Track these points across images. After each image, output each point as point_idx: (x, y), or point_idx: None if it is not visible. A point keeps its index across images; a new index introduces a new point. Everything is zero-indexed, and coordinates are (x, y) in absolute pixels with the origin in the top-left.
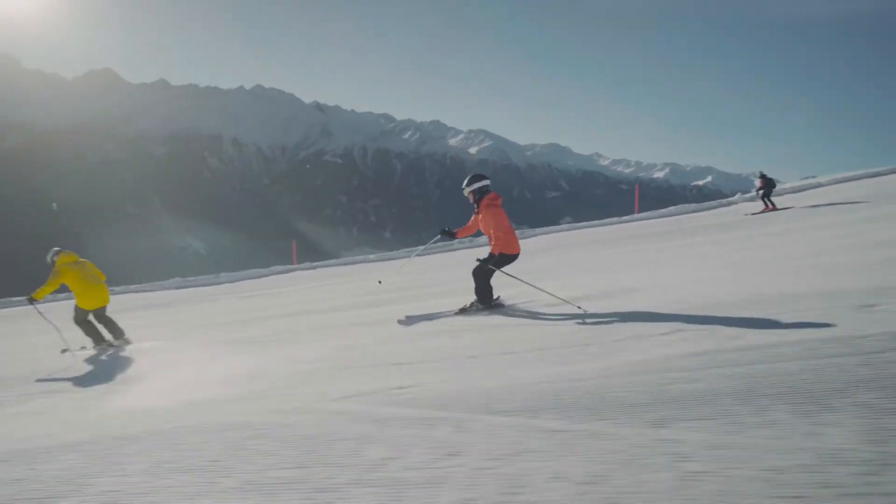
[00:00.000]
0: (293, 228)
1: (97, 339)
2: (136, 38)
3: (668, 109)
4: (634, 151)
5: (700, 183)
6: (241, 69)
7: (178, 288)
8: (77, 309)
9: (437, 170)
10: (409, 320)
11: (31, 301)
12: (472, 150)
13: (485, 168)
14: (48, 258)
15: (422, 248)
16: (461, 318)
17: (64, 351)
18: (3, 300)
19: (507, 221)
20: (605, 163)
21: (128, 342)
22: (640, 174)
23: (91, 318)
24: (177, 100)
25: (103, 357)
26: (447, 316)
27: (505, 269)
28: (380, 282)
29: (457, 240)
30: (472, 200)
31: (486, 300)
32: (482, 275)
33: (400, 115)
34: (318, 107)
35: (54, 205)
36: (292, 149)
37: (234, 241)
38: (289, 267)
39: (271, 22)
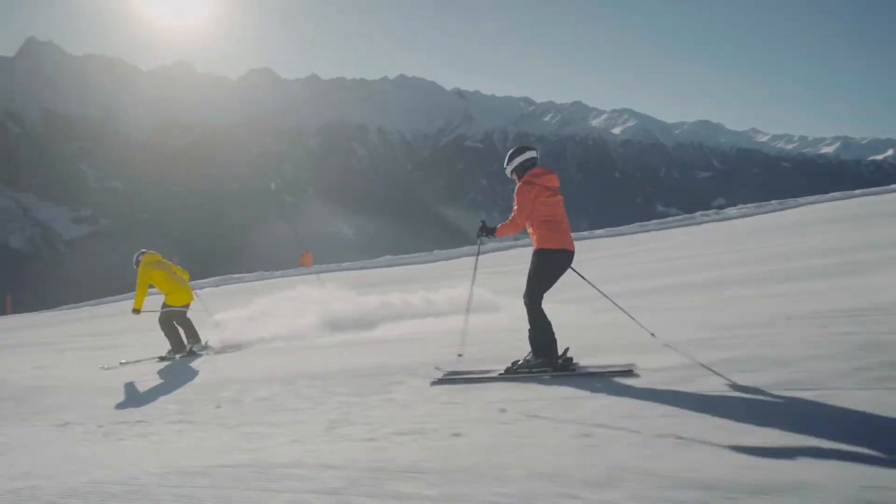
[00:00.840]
0: (435, 213)
1: (178, 346)
2: (291, 37)
3: (838, 75)
4: (798, 125)
5: (878, 158)
6: (385, 60)
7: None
8: (164, 307)
9: (578, 152)
10: (435, 377)
11: (136, 312)
12: (616, 131)
13: (629, 149)
14: (134, 260)
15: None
16: (508, 388)
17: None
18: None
19: (540, 207)
20: (764, 139)
21: (205, 347)
22: (805, 150)
23: (175, 321)
24: (327, 93)
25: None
26: (488, 379)
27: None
28: None
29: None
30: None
31: (544, 352)
32: (535, 306)
33: (540, 98)
34: (459, 93)
35: (272, 185)
36: (434, 135)
37: (380, 226)
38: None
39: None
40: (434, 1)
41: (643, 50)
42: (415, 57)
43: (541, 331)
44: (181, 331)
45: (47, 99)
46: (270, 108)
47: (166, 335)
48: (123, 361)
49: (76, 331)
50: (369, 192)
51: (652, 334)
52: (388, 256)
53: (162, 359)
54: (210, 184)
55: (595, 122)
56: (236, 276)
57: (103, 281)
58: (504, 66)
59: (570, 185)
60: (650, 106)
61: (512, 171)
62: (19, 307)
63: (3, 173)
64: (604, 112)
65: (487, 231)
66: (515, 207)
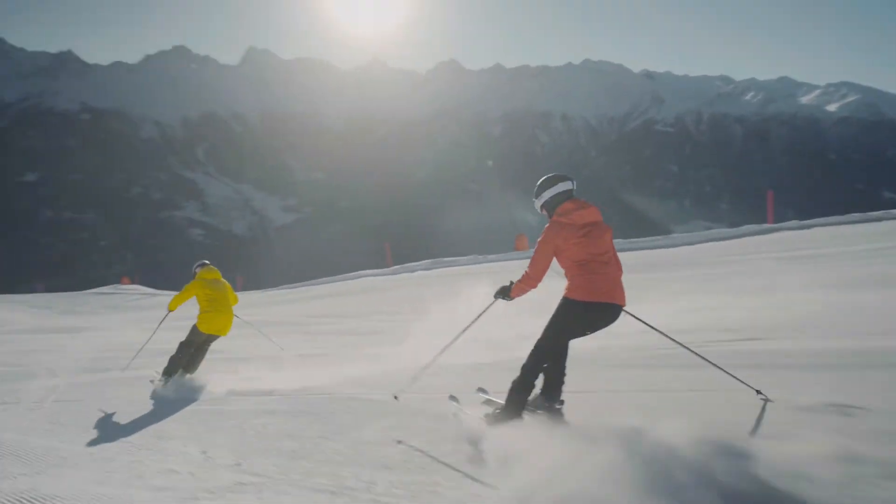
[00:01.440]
0: (620, 200)
1: (173, 369)
2: (476, 28)
3: None
4: None
5: None
6: (570, 46)
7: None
8: (192, 329)
9: (784, 133)
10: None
11: (169, 312)
12: (831, 108)
13: (848, 127)
14: (192, 268)
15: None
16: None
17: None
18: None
19: (572, 251)
20: None
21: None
22: None
23: (195, 346)
24: (511, 81)
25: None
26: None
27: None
28: None
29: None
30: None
31: (510, 408)
32: (535, 359)
33: (739, 76)
34: (648, 74)
35: (490, 162)
36: (620, 120)
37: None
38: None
39: None
40: None
41: (867, 9)
42: (600, 41)
43: (521, 386)
44: (187, 358)
45: (264, 100)
46: (456, 100)
47: (175, 354)
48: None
49: (308, 311)
50: None
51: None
52: None
53: (151, 381)
54: (401, 173)
55: (805, 99)
56: (447, 259)
57: (307, 264)
58: (697, 44)
59: (775, 169)
60: (877, 77)
61: (541, 207)
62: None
63: (229, 167)
64: (816, 87)
65: (503, 292)
66: (535, 258)
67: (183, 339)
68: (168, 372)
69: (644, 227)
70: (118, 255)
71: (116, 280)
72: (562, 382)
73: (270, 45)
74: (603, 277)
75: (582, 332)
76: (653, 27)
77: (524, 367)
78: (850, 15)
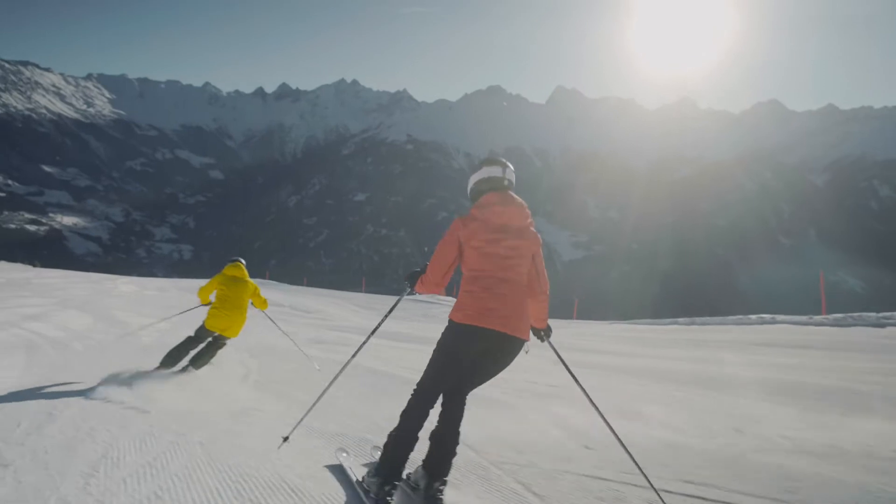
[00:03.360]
0: None
1: (169, 362)
2: (804, 66)
3: None
4: None
5: None
6: None
7: None
8: (201, 325)
9: None
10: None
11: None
12: None
13: None
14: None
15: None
16: None
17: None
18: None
19: (469, 250)
20: None
21: (191, 370)
22: None
23: (201, 341)
24: (845, 124)
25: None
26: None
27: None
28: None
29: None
30: None
31: (385, 468)
32: (414, 403)
33: None
34: None
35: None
36: None
37: None
38: None
39: None
40: None
41: None
42: None
43: (397, 438)
44: (191, 353)
45: (566, 137)
46: (773, 143)
47: (173, 347)
48: None
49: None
50: (891, 239)
51: None
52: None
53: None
54: (700, 218)
55: None
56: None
57: (591, 301)
58: None
59: None
60: None
61: (470, 198)
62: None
63: (526, 200)
64: None
65: (412, 278)
66: (435, 253)
67: (192, 336)
68: (166, 364)
69: None
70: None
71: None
72: (452, 454)
73: (579, 83)
74: (498, 298)
75: (470, 371)
76: None
77: (402, 414)
78: None
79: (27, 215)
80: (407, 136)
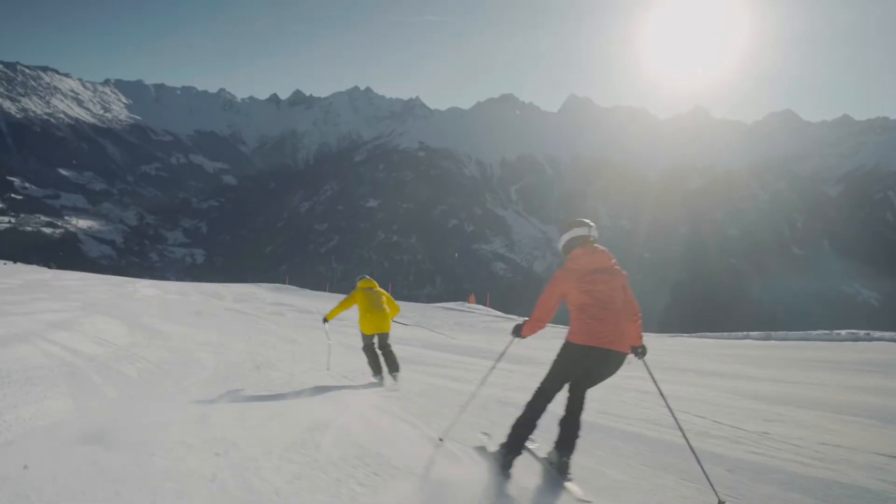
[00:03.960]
0: None
1: (375, 368)
2: (818, 76)
3: None
4: None
5: None
6: None
7: None
8: (361, 333)
9: None
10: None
11: (325, 321)
12: None
13: None
14: (355, 281)
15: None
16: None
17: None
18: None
19: (573, 296)
20: None
21: (396, 379)
22: None
23: (375, 346)
24: (860, 135)
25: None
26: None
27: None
28: None
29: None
30: None
31: (511, 442)
32: (537, 397)
33: None
34: None
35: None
36: None
37: None
38: None
39: None
40: None
41: None
42: None
43: (521, 423)
44: (381, 358)
45: (578, 145)
46: (786, 153)
47: (367, 359)
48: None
49: None
50: None
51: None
52: None
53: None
54: (713, 227)
55: None
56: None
57: None
58: None
59: None
60: None
61: (562, 251)
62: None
63: (537, 208)
64: None
65: (516, 330)
66: (540, 300)
67: (363, 346)
68: (375, 371)
69: None
70: (429, 278)
71: (427, 299)
72: (575, 437)
73: (591, 92)
74: (602, 323)
75: (585, 377)
76: None
77: (526, 405)
78: None
79: (43, 218)
80: (419, 144)
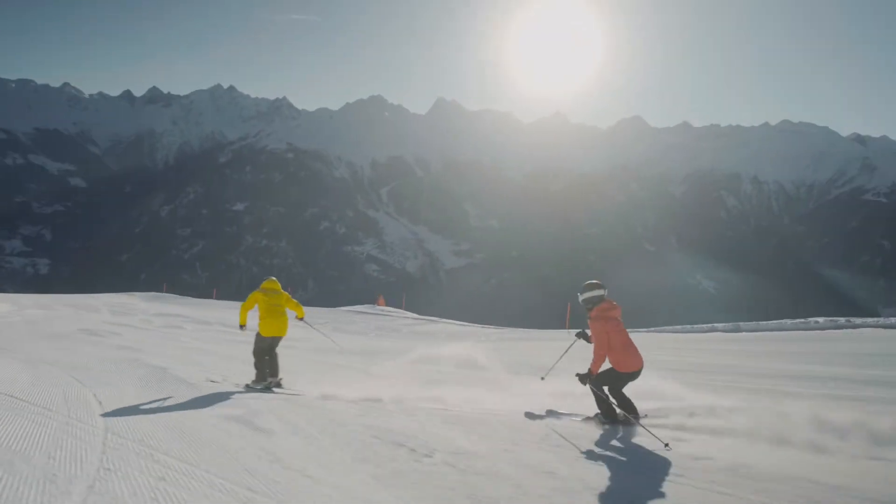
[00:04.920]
0: (816, 274)
1: (262, 374)
2: (664, 86)
3: None
4: None
5: None
6: (766, 105)
7: None
8: (256, 335)
9: None
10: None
11: (241, 328)
12: None
13: None
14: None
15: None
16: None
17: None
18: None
19: (616, 334)
20: None
21: (279, 384)
22: None
23: (266, 350)
24: (698, 140)
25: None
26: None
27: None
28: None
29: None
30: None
31: (608, 415)
32: (596, 390)
33: None
34: (859, 139)
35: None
36: (822, 186)
37: (745, 282)
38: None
39: (804, 52)
40: (825, 41)
41: None
42: (802, 101)
43: (602, 404)
44: (267, 362)
45: (447, 148)
46: (637, 157)
47: (255, 363)
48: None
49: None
50: (737, 245)
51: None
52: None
53: (247, 387)
54: (575, 227)
55: None
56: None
57: (475, 307)
58: None
59: None
60: None
61: (583, 301)
62: None
63: (408, 209)
64: None
65: (588, 376)
66: (594, 343)
67: (254, 350)
68: (258, 380)
69: (845, 307)
70: (301, 282)
71: (302, 304)
72: (633, 405)
73: (459, 96)
74: (629, 353)
75: (623, 385)
76: (867, 86)
77: (597, 398)
78: None
79: None
80: (287, 145)
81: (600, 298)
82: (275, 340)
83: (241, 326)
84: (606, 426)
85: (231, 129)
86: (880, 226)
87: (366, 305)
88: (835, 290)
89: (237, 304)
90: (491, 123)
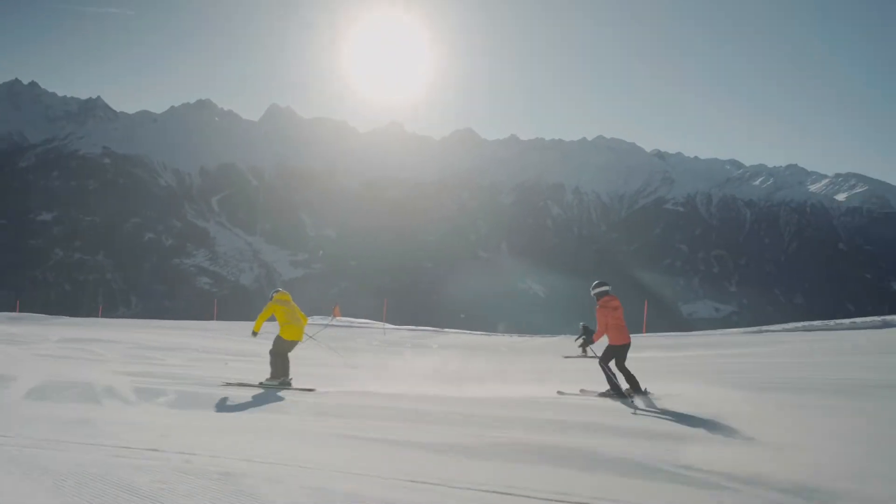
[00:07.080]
0: (630, 276)
1: (278, 374)
2: (494, 101)
3: None
4: None
5: None
6: (584, 122)
7: None
8: (277, 339)
9: (793, 219)
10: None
11: (254, 334)
12: (840, 197)
13: (856, 218)
14: (270, 294)
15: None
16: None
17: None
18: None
19: (612, 319)
20: None
21: (289, 383)
22: None
23: (286, 352)
24: (525, 153)
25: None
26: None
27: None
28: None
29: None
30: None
31: (615, 390)
32: (605, 367)
33: (749, 160)
34: (659, 155)
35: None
36: (631, 197)
37: (571, 286)
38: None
39: (616, 74)
40: (634, 63)
41: (876, 107)
42: (615, 118)
43: (611, 381)
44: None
45: (281, 156)
46: (469, 167)
47: (272, 363)
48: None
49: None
50: (562, 251)
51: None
52: None
53: (261, 385)
54: (411, 236)
55: (814, 188)
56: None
57: (315, 318)
58: (709, 127)
59: (784, 255)
60: (884, 171)
61: (594, 295)
62: None
63: (242, 219)
64: (825, 177)
65: (588, 332)
66: (598, 324)
67: (274, 351)
68: (275, 376)
69: (652, 304)
70: (123, 299)
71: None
72: (636, 380)
73: (293, 103)
74: (623, 331)
75: (623, 359)
76: (666, 108)
77: (605, 373)
78: (859, 107)
79: None
80: (103, 149)
81: (605, 293)
82: (294, 344)
83: (254, 333)
84: (614, 397)
85: (34, 130)
86: (678, 232)
87: (321, 317)
88: (646, 291)
89: (151, 324)
90: (327, 132)
